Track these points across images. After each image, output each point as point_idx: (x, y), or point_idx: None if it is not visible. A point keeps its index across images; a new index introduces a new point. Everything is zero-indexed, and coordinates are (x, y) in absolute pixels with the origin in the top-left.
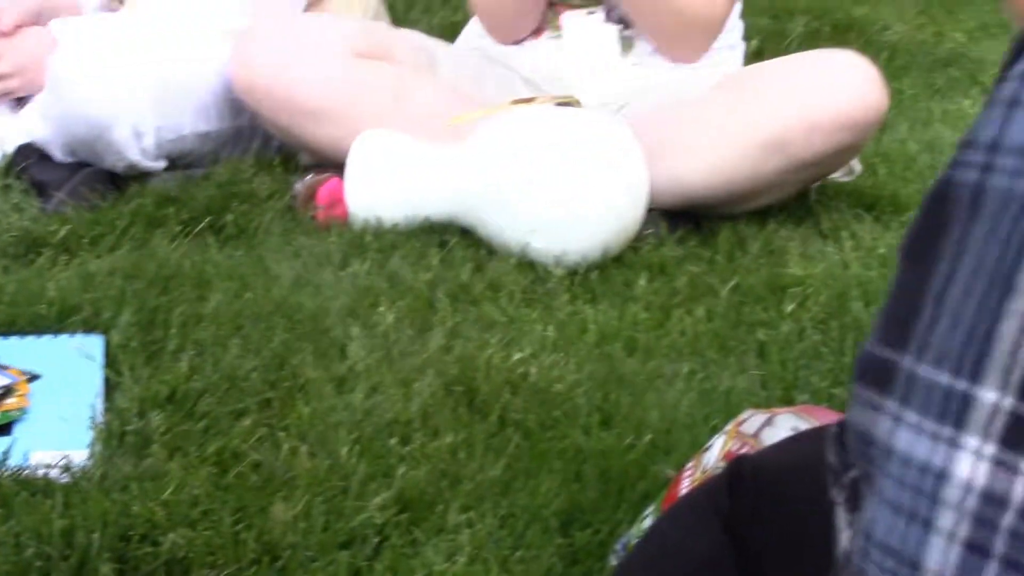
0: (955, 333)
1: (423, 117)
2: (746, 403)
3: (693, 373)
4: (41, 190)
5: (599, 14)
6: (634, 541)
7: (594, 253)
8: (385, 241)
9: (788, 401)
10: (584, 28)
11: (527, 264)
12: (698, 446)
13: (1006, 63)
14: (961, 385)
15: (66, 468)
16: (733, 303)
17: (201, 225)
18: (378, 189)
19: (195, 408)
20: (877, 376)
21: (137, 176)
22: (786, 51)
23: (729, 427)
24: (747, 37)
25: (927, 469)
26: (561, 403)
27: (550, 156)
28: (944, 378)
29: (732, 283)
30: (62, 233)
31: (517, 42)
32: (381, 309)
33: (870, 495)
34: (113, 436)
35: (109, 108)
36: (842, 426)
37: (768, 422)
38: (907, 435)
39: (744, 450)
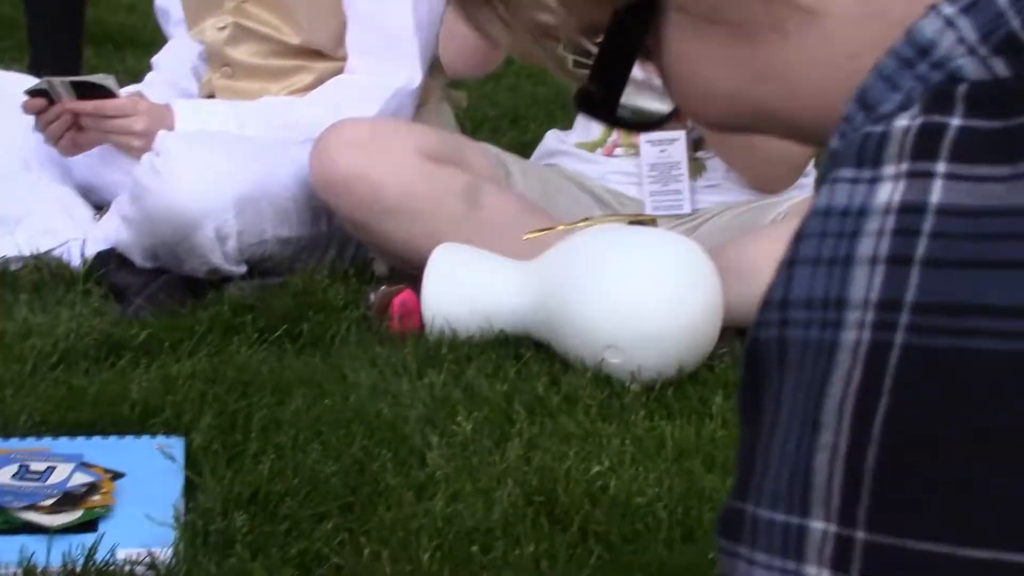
0: (782, 475)
1: (496, 223)
2: None
3: None
4: (120, 295)
5: (681, 139)
6: None
7: (669, 370)
8: (460, 352)
9: None
10: (658, 151)
11: (603, 378)
12: None
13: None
14: (795, 520)
15: (151, 565)
16: None
17: (278, 332)
18: (453, 301)
19: (277, 510)
20: (730, 525)
21: (214, 283)
22: None
23: None
24: (818, 164)
25: None
26: (642, 516)
27: (626, 274)
28: (780, 516)
29: None
30: (142, 337)
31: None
32: (459, 419)
33: None
34: (197, 535)
35: (195, 212)
36: None
37: None
38: (761, 573)
39: None
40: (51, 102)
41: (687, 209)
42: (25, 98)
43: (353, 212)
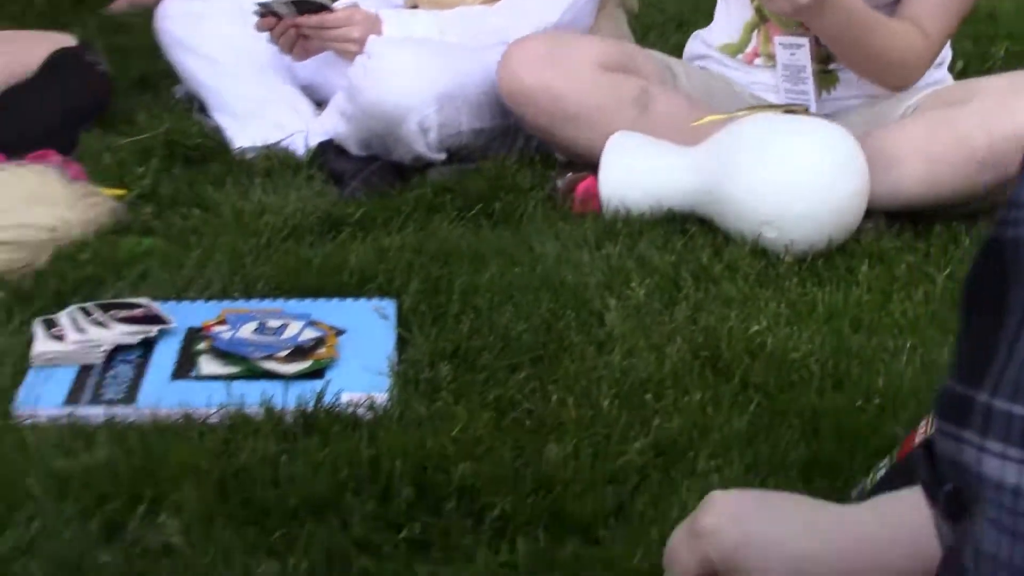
0: None
1: (665, 123)
2: None
3: (914, 349)
4: (339, 179)
5: (805, 46)
6: (869, 488)
7: (820, 243)
8: (634, 227)
9: None
10: (788, 53)
11: (760, 251)
12: (922, 411)
13: None
14: None
15: (370, 407)
16: (948, 289)
17: (474, 211)
18: (628, 183)
19: (476, 362)
20: (955, 410)
21: (419, 168)
22: (988, 73)
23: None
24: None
25: (1020, 493)
26: (796, 369)
27: (782, 157)
28: (1019, 409)
29: (947, 272)
30: (358, 215)
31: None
32: (632, 285)
33: (974, 510)
34: (408, 382)
35: (401, 107)
36: (928, 447)
37: None
38: (994, 462)
39: None
40: (278, 18)
41: (813, 110)
42: (255, 12)
43: (537, 120)
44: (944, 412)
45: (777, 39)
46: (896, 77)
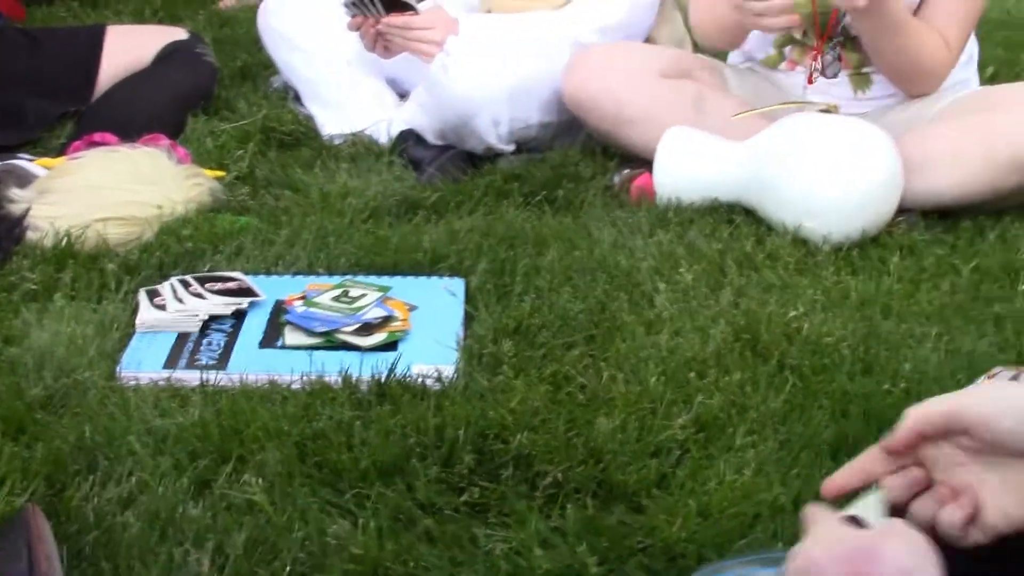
0: None
1: (719, 124)
2: (986, 364)
3: (940, 336)
4: (416, 165)
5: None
6: None
7: (855, 234)
8: (684, 217)
9: (1022, 365)
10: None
11: (800, 240)
12: None
13: None
14: None
15: (438, 378)
16: (973, 281)
17: (538, 197)
18: (680, 175)
19: (535, 339)
20: None
21: (490, 157)
22: (1019, 79)
23: (981, 379)
24: (982, 64)
25: None
26: (829, 353)
27: (821, 154)
28: None
29: (972, 264)
30: (433, 199)
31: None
32: (681, 270)
33: None
34: (473, 356)
35: (475, 102)
36: None
37: (1016, 377)
38: None
39: None
40: (366, 16)
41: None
42: (345, 10)
43: (600, 124)
44: None
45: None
46: (923, 83)
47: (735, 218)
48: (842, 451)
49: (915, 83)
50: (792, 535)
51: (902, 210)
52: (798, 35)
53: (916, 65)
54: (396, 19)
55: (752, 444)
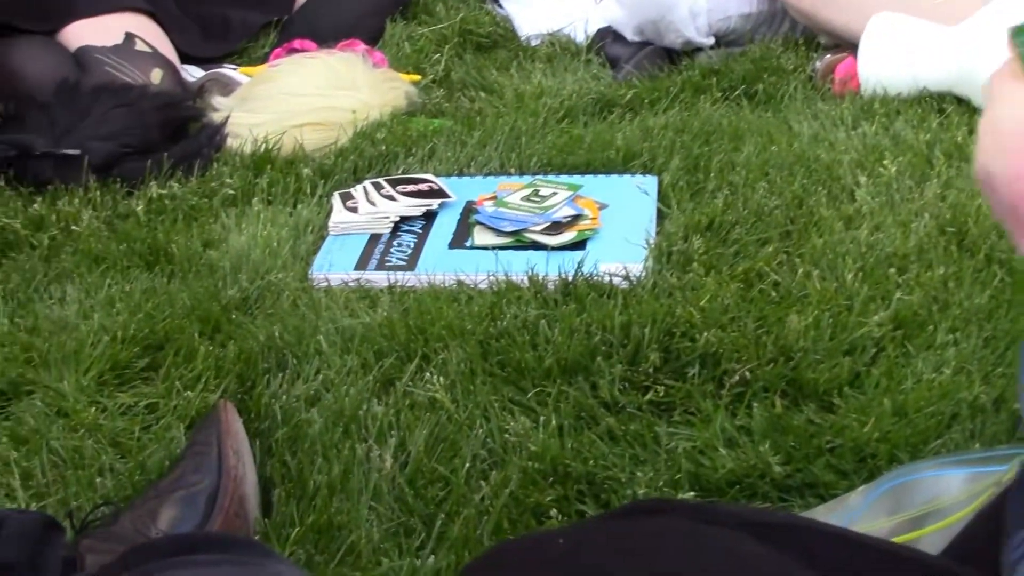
0: None
1: (924, 6)
2: None
3: None
4: (614, 63)
5: None
6: None
7: None
8: (891, 107)
9: None
10: None
11: None
12: None
13: None
14: None
15: (626, 277)
16: None
17: (737, 92)
18: (886, 64)
19: (728, 236)
20: None
21: (688, 53)
22: None
23: None
24: None
25: None
26: None
27: None
28: None
29: None
30: (628, 96)
31: None
32: (885, 163)
33: None
34: (663, 254)
35: None
36: None
37: None
38: None
39: None
40: None
41: None
42: None
43: (800, 4)
44: None
45: None
46: None
47: (946, 107)
48: None
49: None
50: (991, 435)
51: None
52: None
53: None
54: None
55: (954, 341)
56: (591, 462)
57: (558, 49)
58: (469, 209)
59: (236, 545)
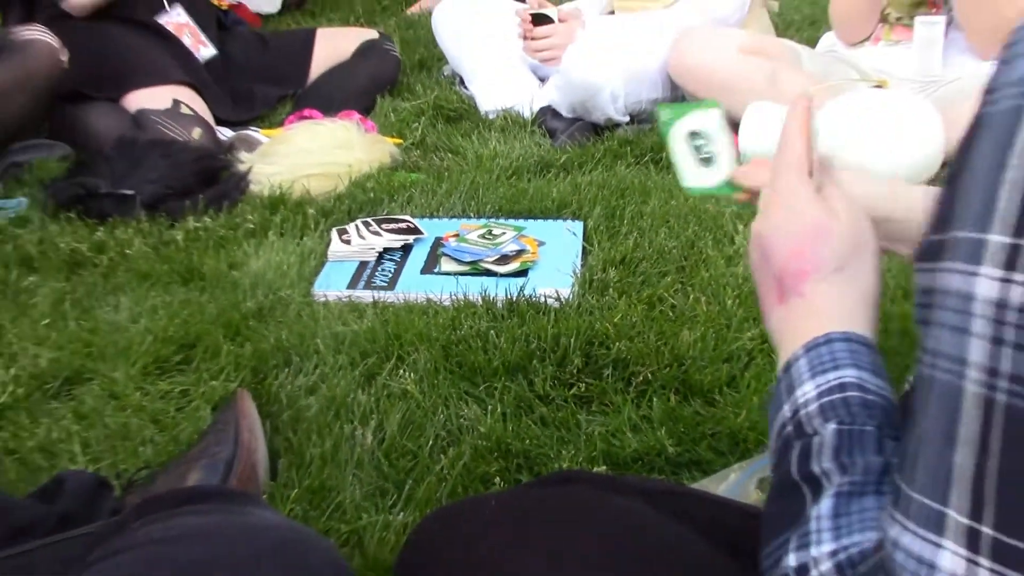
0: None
1: (789, 94)
2: None
3: None
4: (552, 134)
5: (941, 23)
6: None
7: None
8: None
9: None
10: (928, 37)
11: None
12: None
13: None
14: (975, 235)
15: (557, 298)
16: None
17: (646, 158)
18: (761, 141)
19: (636, 269)
20: (929, 253)
21: (610, 127)
22: None
23: None
24: None
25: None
26: None
27: (869, 127)
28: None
29: None
30: (563, 159)
31: (856, 45)
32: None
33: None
34: (586, 282)
35: (598, 83)
36: None
37: None
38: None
39: None
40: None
41: (939, 73)
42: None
43: (696, 90)
44: (920, 256)
45: (918, 19)
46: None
47: None
48: None
49: (996, 44)
50: None
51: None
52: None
53: (1000, 24)
54: (539, 30)
55: None
56: (527, 441)
57: (510, 122)
58: (438, 243)
59: (227, 496)
